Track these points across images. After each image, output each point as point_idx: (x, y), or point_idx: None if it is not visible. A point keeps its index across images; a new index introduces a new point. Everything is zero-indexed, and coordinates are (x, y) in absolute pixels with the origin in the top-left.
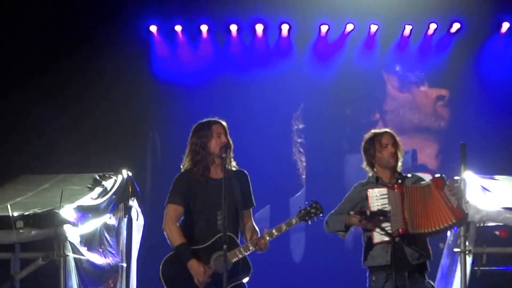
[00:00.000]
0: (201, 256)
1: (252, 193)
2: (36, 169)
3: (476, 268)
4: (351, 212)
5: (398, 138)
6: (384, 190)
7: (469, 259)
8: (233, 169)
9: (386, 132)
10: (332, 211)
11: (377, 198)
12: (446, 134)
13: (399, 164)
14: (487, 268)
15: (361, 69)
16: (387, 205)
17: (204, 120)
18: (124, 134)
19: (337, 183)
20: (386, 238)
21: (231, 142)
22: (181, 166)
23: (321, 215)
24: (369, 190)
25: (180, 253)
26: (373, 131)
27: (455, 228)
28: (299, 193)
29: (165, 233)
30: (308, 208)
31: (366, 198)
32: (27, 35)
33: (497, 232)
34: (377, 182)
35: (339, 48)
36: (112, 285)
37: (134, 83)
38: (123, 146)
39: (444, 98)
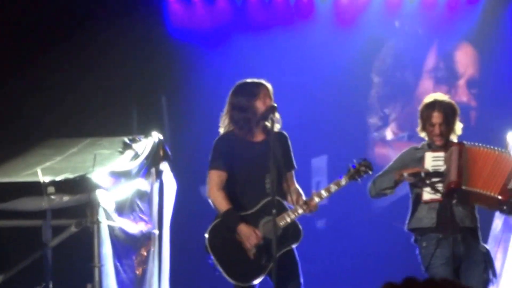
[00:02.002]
0: (249, 222)
1: (293, 155)
2: (59, 133)
3: None
4: (405, 174)
5: (456, 111)
6: (441, 153)
7: None
8: (275, 132)
9: (438, 108)
10: (379, 173)
11: (432, 160)
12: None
13: (453, 138)
14: None
15: (387, 34)
16: (441, 167)
17: (250, 79)
18: (143, 99)
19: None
20: (436, 196)
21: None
22: (220, 128)
23: (370, 173)
24: (426, 152)
25: (227, 219)
26: (432, 97)
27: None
28: (321, 157)
29: (209, 200)
30: (358, 166)
31: (420, 160)
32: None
33: None
34: (429, 148)
35: (362, 9)
36: (145, 253)
37: (151, 44)
38: (143, 110)
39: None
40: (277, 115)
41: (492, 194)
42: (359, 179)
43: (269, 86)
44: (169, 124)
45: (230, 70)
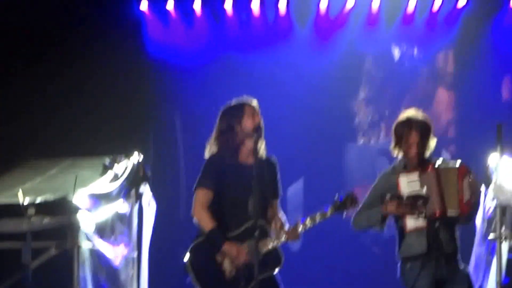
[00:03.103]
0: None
1: (279, 183)
2: (41, 154)
3: None
4: (387, 197)
5: (430, 128)
6: (415, 175)
7: (505, 246)
8: (262, 156)
9: (414, 127)
10: (359, 207)
11: (408, 183)
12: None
13: (427, 154)
14: None
15: (366, 48)
16: (419, 190)
17: (234, 101)
18: (123, 118)
19: (338, 174)
20: (420, 225)
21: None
22: (206, 151)
23: (356, 207)
24: (400, 176)
25: (213, 237)
26: (407, 115)
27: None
28: (296, 184)
29: (194, 218)
30: (344, 199)
31: (396, 185)
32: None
33: None
34: (405, 168)
35: (341, 26)
36: (124, 276)
37: (129, 65)
38: (125, 129)
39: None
40: (263, 138)
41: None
42: (344, 212)
43: (253, 103)
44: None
45: (211, 89)
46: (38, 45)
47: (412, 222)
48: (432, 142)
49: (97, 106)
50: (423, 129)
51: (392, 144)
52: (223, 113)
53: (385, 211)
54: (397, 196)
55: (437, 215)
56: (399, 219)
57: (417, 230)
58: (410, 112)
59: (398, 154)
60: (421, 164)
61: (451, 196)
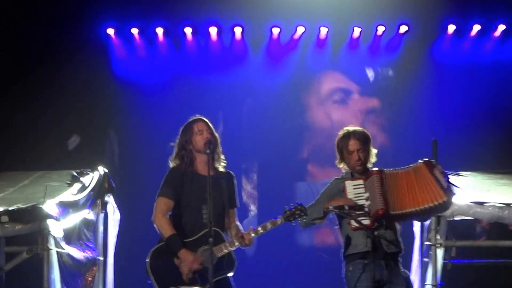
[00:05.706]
0: (189, 248)
1: (237, 194)
2: (13, 167)
3: (447, 261)
4: (330, 207)
5: (369, 138)
6: (360, 181)
7: (440, 252)
8: (221, 169)
9: (353, 136)
10: (309, 204)
11: (354, 188)
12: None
13: (369, 165)
14: (457, 261)
15: (315, 71)
16: (363, 194)
17: (189, 120)
18: (90, 134)
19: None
20: (364, 223)
21: (217, 137)
22: (169, 161)
23: (305, 217)
24: (346, 181)
25: (171, 243)
26: (346, 129)
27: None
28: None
29: (155, 225)
30: (293, 209)
31: (343, 189)
32: None
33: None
34: (352, 176)
35: (291, 50)
36: (89, 278)
37: (98, 85)
38: (91, 145)
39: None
40: (219, 149)
41: (439, 202)
42: (293, 221)
43: (205, 120)
44: (116, 157)
45: (170, 105)
46: (10, 66)
47: (355, 222)
48: (373, 153)
49: (65, 122)
50: (362, 138)
51: (337, 159)
52: (181, 131)
53: (327, 205)
54: (339, 207)
55: (380, 213)
56: (343, 219)
57: (361, 229)
58: (347, 127)
59: (343, 167)
60: (365, 172)
61: (408, 193)
